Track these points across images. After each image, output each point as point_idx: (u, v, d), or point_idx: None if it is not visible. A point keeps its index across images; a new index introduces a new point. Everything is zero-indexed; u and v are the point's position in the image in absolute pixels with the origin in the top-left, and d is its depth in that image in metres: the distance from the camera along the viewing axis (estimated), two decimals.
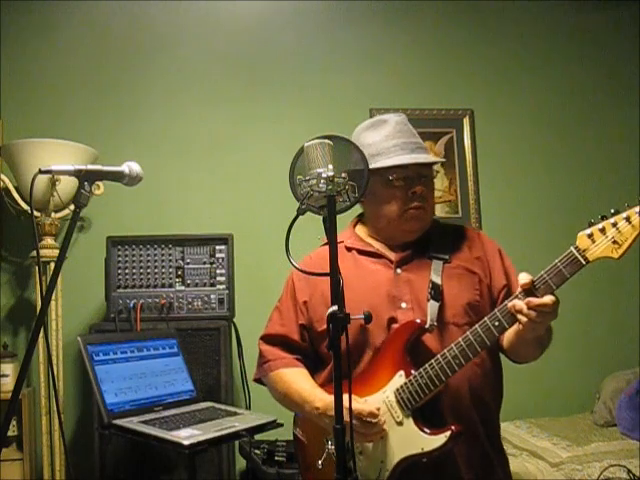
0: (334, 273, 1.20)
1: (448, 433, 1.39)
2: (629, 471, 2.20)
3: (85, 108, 3.09)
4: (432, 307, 1.50)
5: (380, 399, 1.47)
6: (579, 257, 1.29)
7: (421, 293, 1.53)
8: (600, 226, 1.26)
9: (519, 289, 1.35)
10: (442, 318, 1.51)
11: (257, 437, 2.12)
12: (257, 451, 2.46)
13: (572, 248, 1.30)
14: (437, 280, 1.53)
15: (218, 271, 2.69)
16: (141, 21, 3.20)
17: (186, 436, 1.77)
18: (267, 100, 3.24)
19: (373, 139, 1.58)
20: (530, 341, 1.44)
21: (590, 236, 1.28)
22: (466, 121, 3.38)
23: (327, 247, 1.67)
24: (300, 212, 1.26)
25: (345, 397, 1.40)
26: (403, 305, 1.53)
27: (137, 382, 2.13)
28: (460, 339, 1.42)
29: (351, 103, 3.26)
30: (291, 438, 1.73)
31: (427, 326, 1.47)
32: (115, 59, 3.15)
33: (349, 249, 1.64)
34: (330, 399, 1.43)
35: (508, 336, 1.50)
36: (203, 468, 2.45)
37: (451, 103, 3.39)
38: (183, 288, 2.67)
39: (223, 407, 2.20)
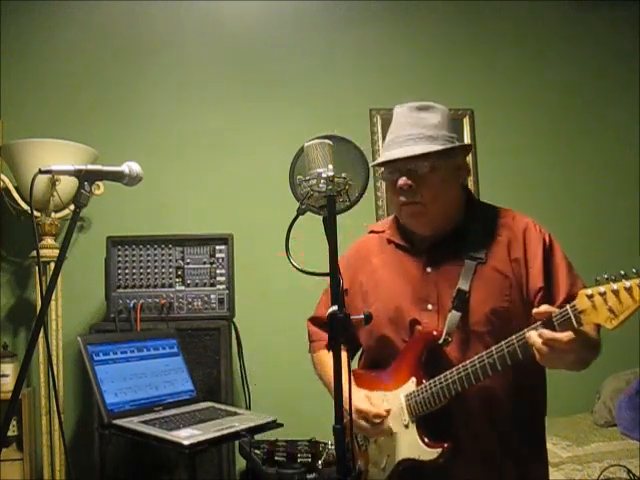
0: (334, 273, 1.20)
1: (440, 450, 1.40)
2: (629, 471, 2.20)
3: (85, 108, 3.09)
4: (452, 318, 1.45)
5: (395, 399, 1.50)
6: (573, 319, 1.21)
7: (447, 297, 1.48)
8: (602, 289, 1.16)
9: (538, 322, 1.26)
10: (464, 326, 1.45)
11: (257, 437, 2.11)
12: (257, 451, 2.46)
13: (568, 307, 1.21)
14: (464, 287, 1.46)
15: (218, 271, 2.69)
16: (141, 21, 3.20)
17: (186, 436, 1.77)
18: (267, 100, 3.25)
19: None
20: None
21: (590, 297, 1.18)
22: (466, 121, 3.38)
23: (369, 237, 1.69)
24: (300, 212, 1.26)
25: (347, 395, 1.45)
26: (429, 307, 1.50)
27: (137, 382, 2.12)
28: (476, 358, 1.37)
29: (351, 103, 3.26)
30: (291, 438, 1.74)
31: (441, 340, 1.44)
32: (115, 59, 3.15)
33: (389, 241, 1.62)
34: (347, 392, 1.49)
35: None
36: (203, 468, 2.45)
37: (451, 103, 3.35)
38: (183, 288, 2.67)
39: (223, 407, 2.20)
